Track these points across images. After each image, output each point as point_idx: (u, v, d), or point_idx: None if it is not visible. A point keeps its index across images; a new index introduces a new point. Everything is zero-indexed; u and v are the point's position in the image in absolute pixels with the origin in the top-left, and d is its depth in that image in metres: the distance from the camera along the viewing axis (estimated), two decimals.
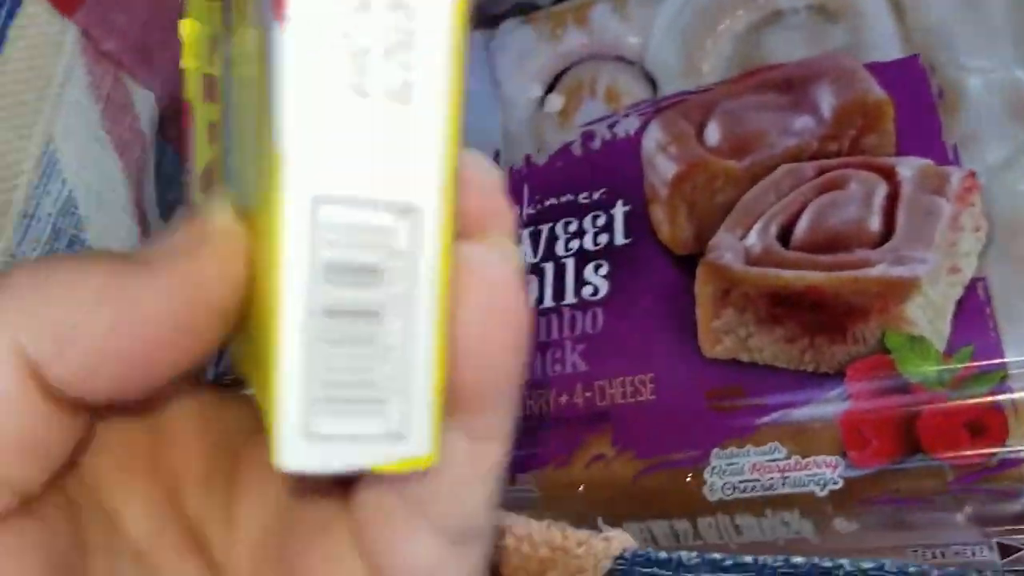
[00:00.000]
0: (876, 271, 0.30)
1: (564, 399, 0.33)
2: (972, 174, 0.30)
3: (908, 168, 0.31)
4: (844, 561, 0.21)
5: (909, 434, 0.28)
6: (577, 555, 0.22)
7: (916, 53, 0.33)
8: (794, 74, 0.35)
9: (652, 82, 0.39)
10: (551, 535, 0.23)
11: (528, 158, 0.38)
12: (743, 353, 0.31)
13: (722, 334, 0.31)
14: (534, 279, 0.36)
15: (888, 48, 0.34)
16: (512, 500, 0.33)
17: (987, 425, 0.27)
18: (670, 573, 0.23)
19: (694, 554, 0.23)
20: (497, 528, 0.22)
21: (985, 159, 0.30)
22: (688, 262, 0.33)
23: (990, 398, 0.27)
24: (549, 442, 0.33)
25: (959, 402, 0.28)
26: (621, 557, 0.23)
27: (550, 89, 0.40)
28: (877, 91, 0.33)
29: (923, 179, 0.31)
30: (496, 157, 0.39)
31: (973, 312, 0.29)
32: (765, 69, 0.36)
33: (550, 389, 0.33)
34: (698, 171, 0.35)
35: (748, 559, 0.22)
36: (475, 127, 0.40)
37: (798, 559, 0.22)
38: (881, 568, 0.20)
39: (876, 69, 0.34)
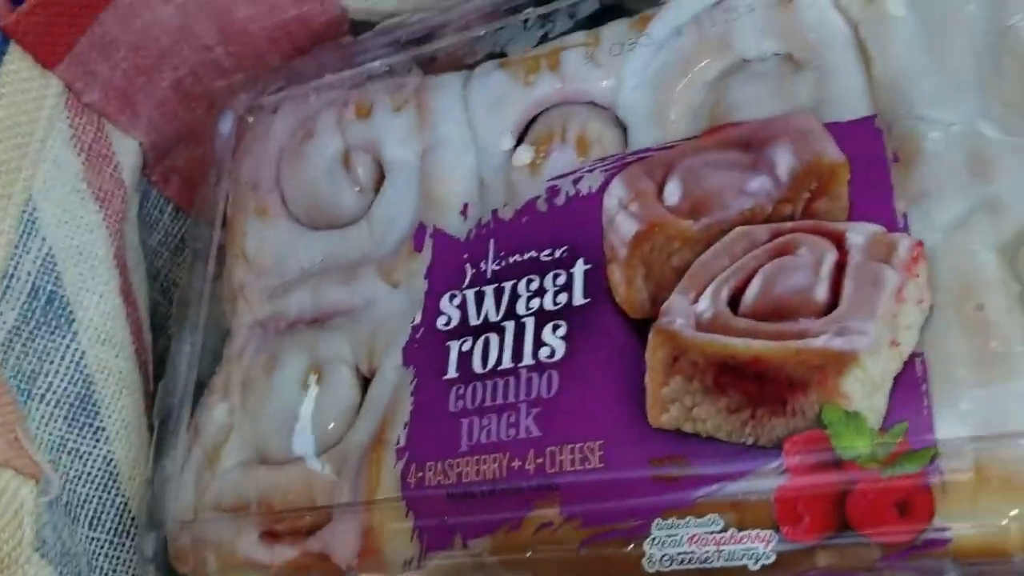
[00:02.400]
0: (818, 342, 0.29)
1: (516, 464, 0.33)
2: (919, 244, 0.30)
3: (858, 234, 0.31)
4: None
5: (840, 510, 0.28)
6: None
7: (874, 113, 0.33)
8: (755, 133, 0.35)
9: (623, 128, 0.39)
10: None
11: (495, 213, 0.39)
12: (687, 423, 0.31)
13: (669, 403, 0.31)
14: (495, 338, 0.36)
15: (854, 103, 0.34)
16: (466, 566, 0.33)
17: (914, 504, 0.27)
18: None
19: None
20: None
21: (938, 219, 0.30)
22: (643, 326, 0.33)
23: (919, 477, 0.27)
24: (501, 508, 0.33)
25: (890, 480, 0.27)
26: None
27: (521, 139, 0.41)
28: (833, 153, 0.32)
29: (872, 247, 0.30)
30: (465, 210, 0.40)
31: (909, 388, 0.28)
32: (729, 126, 0.35)
33: (504, 454, 0.34)
34: (657, 231, 0.34)
35: None
36: (450, 174, 0.41)
37: None
38: None
39: (835, 129, 0.33)
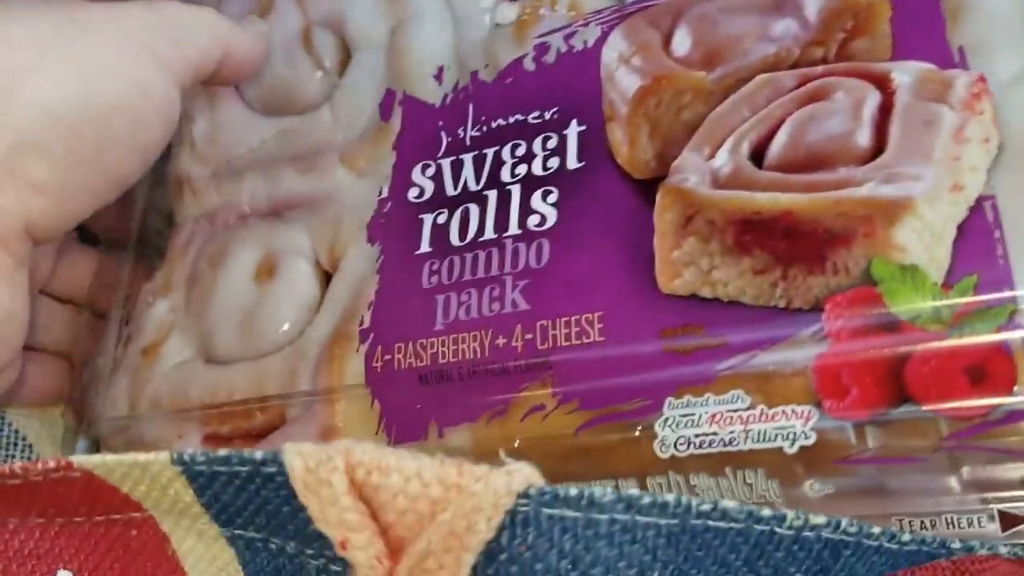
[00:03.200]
0: (862, 191, 0.25)
1: (501, 342, 0.28)
2: (981, 78, 0.26)
3: (905, 74, 0.27)
4: (788, 512, 0.17)
5: (897, 380, 0.24)
6: (473, 492, 0.19)
7: None
8: None
9: None
10: (444, 471, 0.20)
11: (475, 75, 0.34)
12: (704, 287, 0.26)
13: (682, 266, 0.27)
14: (475, 208, 0.31)
15: None
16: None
17: (991, 371, 0.23)
18: (579, 513, 0.18)
19: (608, 491, 0.18)
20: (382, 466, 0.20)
21: (995, 71, 0.26)
22: (649, 188, 0.29)
23: (995, 337, 0.23)
24: (483, 391, 0.28)
25: (958, 343, 0.23)
26: (525, 495, 0.19)
27: None
28: None
29: (922, 85, 0.26)
30: (439, 74, 0.34)
31: (979, 237, 0.24)
32: None
33: (486, 331, 0.29)
34: (664, 85, 0.30)
35: (670, 498, 0.18)
36: (424, 48, 0.36)
37: (729, 503, 0.18)
38: (836, 527, 0.16)
39: None
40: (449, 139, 0.33)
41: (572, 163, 0.30)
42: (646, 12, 0.32)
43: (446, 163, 0.33)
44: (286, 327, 0.34)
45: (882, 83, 0.27)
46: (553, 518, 0.19)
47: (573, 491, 0.19)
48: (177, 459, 0.22)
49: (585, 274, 0.28)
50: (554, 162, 0.31)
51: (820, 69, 0.28)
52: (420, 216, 0.32)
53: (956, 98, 0.26)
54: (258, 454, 0.22)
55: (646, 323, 0.27)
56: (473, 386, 0.29)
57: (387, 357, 0.30)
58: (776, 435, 0.24)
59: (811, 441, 0.24)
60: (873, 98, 0.27)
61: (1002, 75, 0.26)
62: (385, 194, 0.33)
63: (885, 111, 0.26)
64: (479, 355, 0.29)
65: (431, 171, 0.33)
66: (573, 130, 0.31)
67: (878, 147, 0.26)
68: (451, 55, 0.35)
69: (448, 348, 0.29)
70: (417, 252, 0.31)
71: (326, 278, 0.35)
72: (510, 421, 0.28)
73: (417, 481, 0.20)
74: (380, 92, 0.36)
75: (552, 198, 0.30)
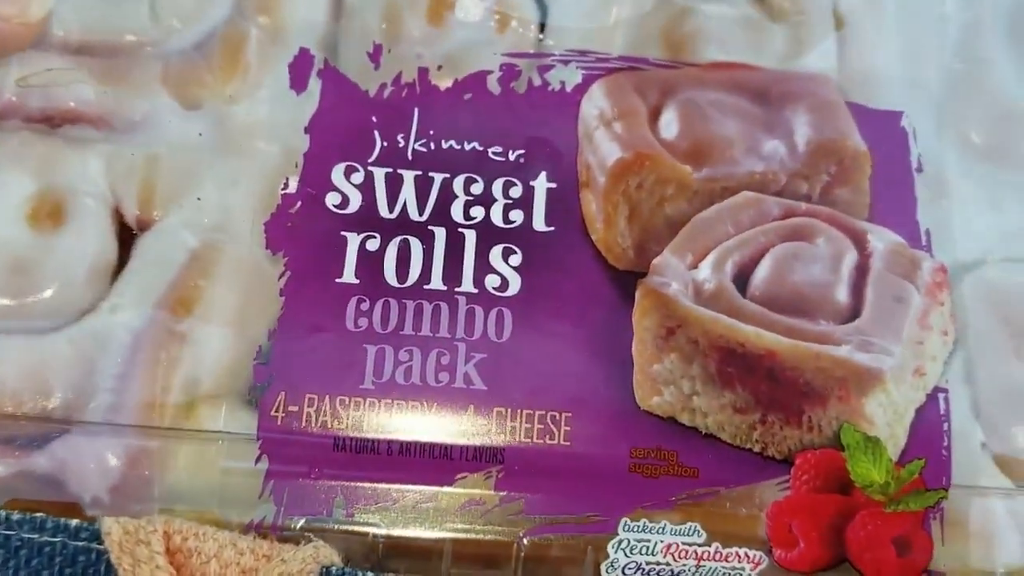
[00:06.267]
0: (841, 352, 0.26)
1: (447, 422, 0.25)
2: (943, 268, 0.28)
3: (880, 240, 0.28)
4: None
5: (839, 539, 0.25)
6: (283, 559, 0.22)
7: (902, 110, 0.30)
8: (771, 86, 0.30)
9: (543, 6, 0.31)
10: (257, 543, 0.22)
11: (424, 73, 0.29)
12: (684, 414, 0.25)
13: (662, 384, 0.26)
14: (417, 244, 0.27)
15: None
16: (340, 540, 0.24)
17: (915, 545, 0.25)
18: None
19: None
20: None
21: (962, 249, 0.28)
22: (625, 279, 0.27)
23: (923, 518, 0.25)
24: (415, 473, 0.24)
25: (893, 516, 0.25)
26: (327, 571, 0.22)
27: None
28: (857, 140, 0.29)
29: (894, 258, 0.28)
30: (376, 55, 0.29)
31: (931, 425, 0.26)
32: (738, 66, 0.30)
33: (430, 404, 0.25)
34: (647, 166, 0.28)
35: None
36: (359, 7, 0.29)
37: None
38: None
39: (859, 113, 0.29)
40: (385, 143, 0.28)
41: (539, 224, 0.27)
42: (633, 75, 0.29)
43: (379, 173, 0.27)
44: (72, 293, 0.26)
45: (860, 242, 0.28)
46: None
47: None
48: None
49: (555, 364, 0.26)
50: (518, 216, 0.27)
51: (804, 207, 0.28)
52: (343, 233, 0.27)
53: (923, 281, 0.27)
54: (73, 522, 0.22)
55: (619, 437, 0.25)
56: (403, 465, 0.25)
57: (292, 409, 0.24)
58: (726, 575, 0.25)
59: None
60: (851, 256, 0.28)
61: (959, 270, 0.28)
62: (292, 188, 0.27)
63: (861, 272, 0.27)
64: (417, 432, 0.25)
65: (358, 177, 0.27)
66: (542, 184, 0.28)
67: (854, 308, 0.27)
68: (393, 35, 0.29)
69: (378, 414, 0.25)
70: (340, 280, 0.26)
71: (127, 236, 0.27)
72: (441, 510, 0.24)
73: (232, 549, 0.21)
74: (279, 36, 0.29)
75: (515, 260, 0.27)
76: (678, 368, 0.26)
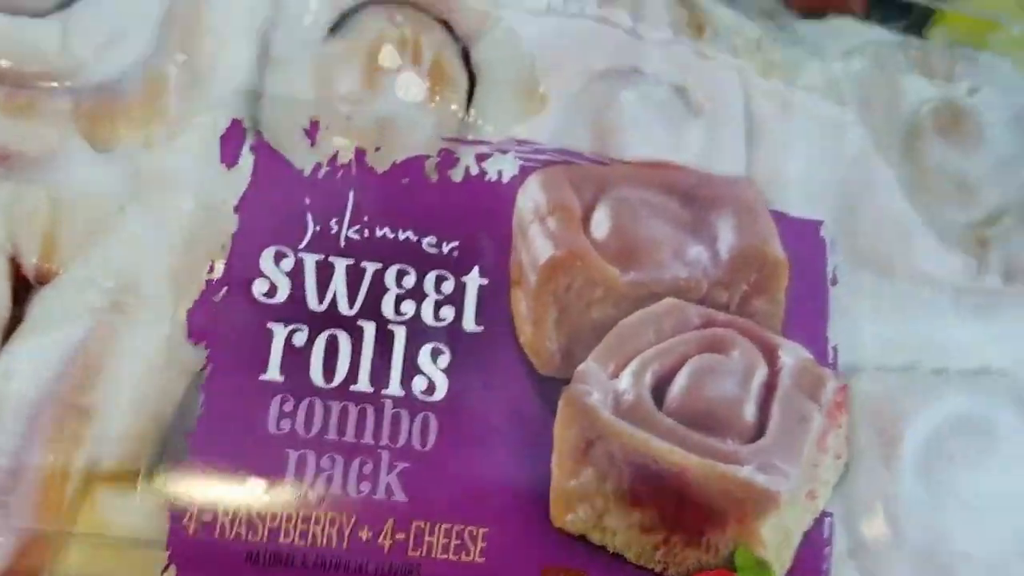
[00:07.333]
0: (744, 473, 0.27)
1: (366, 535, 0.25)
2: (845, 388, 0.29)
3: (790, 356, 0.29)
4: None
5: None
6: None
7: (822, 219, 0.31)
8: (700, 189, 0.30)
9: (472, 78, 0.30)
10: None
11: (361, 156, 0.28)
12: (595, 532, 0.27)
13: (576, 501, 0.26)
14: (346, 340, 0.26)
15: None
16: None
17: None
18: None
19: None
20: None
21: (866, 368, 0.30)
22: (551, 386, 0.27)
23: None
24: None
25: None
26: None
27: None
28: (777, 248, 0.30)
29: (802, 374, 0.29)
30: (313, 131, 0.27)
31: (815, 549, 0.28)
32: (671, 167, 0.30)
33: (349, 517, 0.25)
34: (579, 266, 0.28)
35: None
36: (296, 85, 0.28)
37: None
38: None
39: (780, 220, 0.30)
40: (317, 227, 0.27)
41: (469, 323, 0.27)
42: (569, 169, 0.29)
43: (310, 260, 0.27)
44: None
45: (771, 357, 0.29)
46: None
47: None
48: None
49: (477, 476, 0.26)
50: (448, 313, 0.27)
51: (723, 317, 0.29)
52: (269, 325, 0.26)
53: (825, 400, 0.29)
54: None
55: (531, 555, 0.26)
56: None
57: (206, 518, 0.24)
58: None
59: None
60: (762, 371, 0.29)
61: (859, 392, 0.30)
62: (219, 273, 0.26)
63: (770, 389, 0.29)
64: (335, 544, 0.25)
65: (288, 264, 0.27)
66: (474, 281, 0.28)
67: (760, 426, 0.28)
68: (332, 110, 0.28)
69: (295, 526, 0.25)
70: (263, 377, 0.25)
71: (25, 287, 0.26)
72: None
73: None
74: (152, 36, 0.27)
75: (443, 361, 0.27)
76: (593, 484, 0.27)
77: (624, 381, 0.28)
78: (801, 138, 0.32)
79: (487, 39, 0.31)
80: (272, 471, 0.25)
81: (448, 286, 0.27)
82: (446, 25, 0.31)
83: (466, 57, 0.31)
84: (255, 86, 0.28)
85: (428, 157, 0.28)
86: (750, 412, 0.28)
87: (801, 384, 0.29)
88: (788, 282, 0.30)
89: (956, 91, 0.33)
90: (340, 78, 0.29)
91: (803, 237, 0.30)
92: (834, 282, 0.30)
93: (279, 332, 0.26)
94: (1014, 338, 0.32)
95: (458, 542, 0.25)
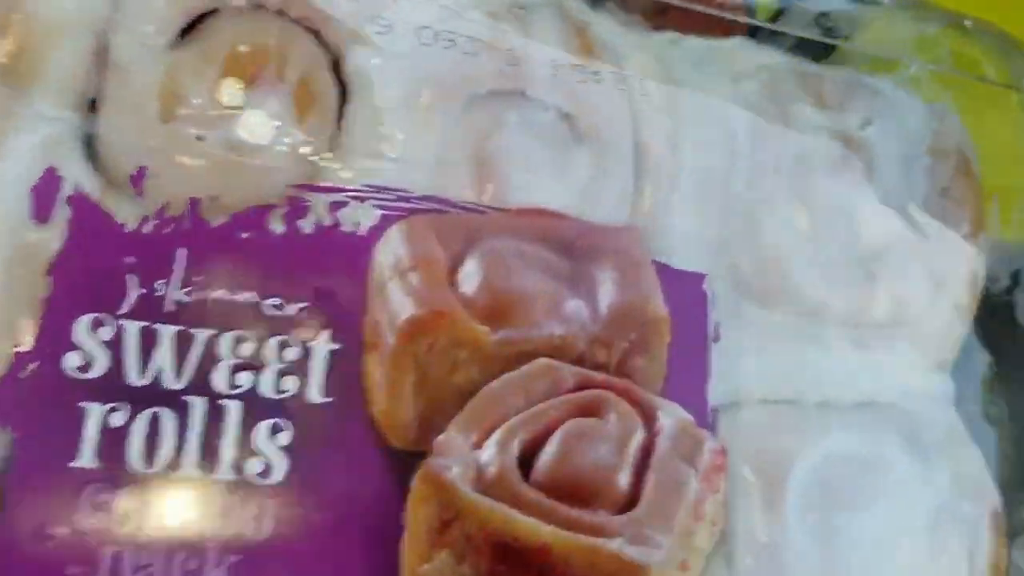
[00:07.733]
0: (613, 545, 0.26)
1: None
2: (723, 452, 0.28)
3: (669, 417, 0.27)
4: None
5: None
6: None
7: (705, 272, 0.29)
8: (578, 238, 0.28)
9: (343, 94, 0.28)
10: None
11: (195, 205, 0.25)
12: None
13: None
14: (171, 419, 0.24)
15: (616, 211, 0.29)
16: None
17: None
18: None
19: None
20: None
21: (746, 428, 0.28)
22: (405, 462, 0.25)
23: None
24: None
25: None
26: None
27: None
28: (659, 304, 0.28)
29: (680, 437, 0.27)
30: (139, 177, 0.25)
31: None
32: (548, 214, 0.28)
33: None
34: (443, 326, 0.26)
35: None
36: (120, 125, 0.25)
37: None
38: None
39: (663, 272, 0.28)
40: (142, 291, 0.24)
41: (315, 395, 0.25)
42: (435, 219, 0.27)
43: (133, 328, 0.24)
44: None
45: (649, 420, 0.27)
46: None
47: None
48: None
49: (315, 569, 0.24)
50: (291, 384, 0.25)
51: (600, 378, 0.27)
52: (81, 404, 0.23)
53: (702, 463, 0.27)
54: None
55: None
56: None
57: None
58: None
59: None
60: (639, 436, 0.27)
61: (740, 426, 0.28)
62: (26, 346, 0.23)
63: (646, 454, 0.27)
64: None
65: (107, 333, 0.24)
66: (323, 346, 0.25)
67: (634, 494, 0.27)
68: (163, 155, 0.25)
69: None
70: (73, 464, 0.23)
71: None
72: None
73: None
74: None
75: (283, 439, 0.24)
76: (448, 567, 0.25)
77: (487, 452, 0.25)
78: (688, 167, 0.31)
79: (362, 50, 0.28)
80: (83, 573, 0.22)
81: (293, 353, 0.25)
82: (316, 35, 0.29)
83: (336, 68, 0.28)
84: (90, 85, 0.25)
85: (274, 207, 0.25)
86: (624, 480, 0.26)
87: (679, 447, 0.27)
88: (670, 338, 0.28)
89: (848, 122, 0.32)
90: (188, 93, 0.26)
91: (685, 291, 0.29)
92: (716, 339, 0.29)
93: (94, 412, 0.23)
94: (899, 371, 0.32)
95: None
